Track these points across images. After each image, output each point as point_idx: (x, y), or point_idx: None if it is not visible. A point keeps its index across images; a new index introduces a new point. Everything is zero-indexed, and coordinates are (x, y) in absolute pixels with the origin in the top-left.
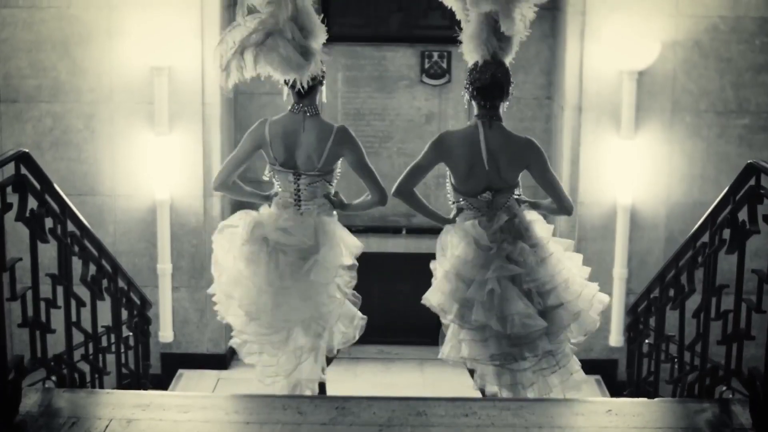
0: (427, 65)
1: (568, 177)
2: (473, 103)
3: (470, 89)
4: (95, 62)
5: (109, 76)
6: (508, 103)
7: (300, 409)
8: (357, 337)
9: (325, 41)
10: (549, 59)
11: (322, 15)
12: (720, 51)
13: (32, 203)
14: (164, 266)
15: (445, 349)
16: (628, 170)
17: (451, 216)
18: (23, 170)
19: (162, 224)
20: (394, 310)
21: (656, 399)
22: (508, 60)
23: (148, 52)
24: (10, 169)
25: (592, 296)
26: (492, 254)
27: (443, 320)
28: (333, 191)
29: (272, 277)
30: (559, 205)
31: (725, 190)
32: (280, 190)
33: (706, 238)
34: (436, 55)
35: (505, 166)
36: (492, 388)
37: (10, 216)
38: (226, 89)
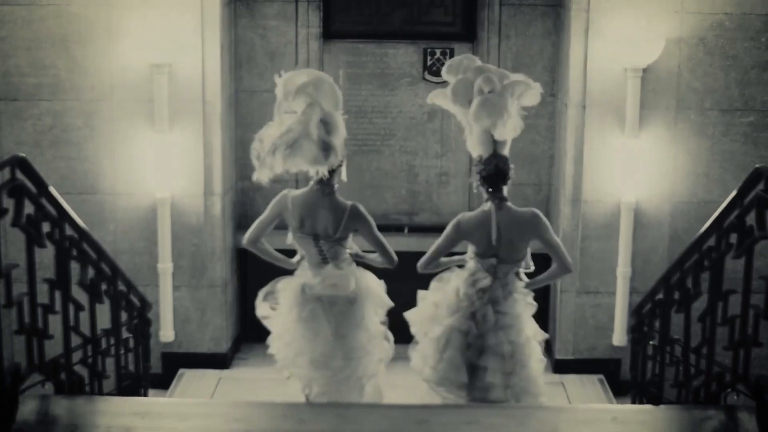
0: (429, 62)
1: (571, 175)
2: (482, 188)
3: (478, 177)
4: (95, 60)
5: (109, 74)
6: (510, 184)
7: (300, 417)
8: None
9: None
10: (553, 56)
11: (323, 12)
12: (725, 48)
13: (29, 208)
14: (165, 265)
15: (414, 362)
16: (632, 168)
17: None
18: (19, 175)
19: (162, 223)
20: (396, 308)
21: (661, 406)
22: (506, 152)
23: (149, 49)
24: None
25: (528, 379)
26: (461, 306)
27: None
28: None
29: (331, 328)
30: (560, 263)
31: (733, 194)
32: (305, 253)
33: (712, 241)
34: (438, 52)
35: (514, 241)
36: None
37: (6, 221)
38: (263, 182)
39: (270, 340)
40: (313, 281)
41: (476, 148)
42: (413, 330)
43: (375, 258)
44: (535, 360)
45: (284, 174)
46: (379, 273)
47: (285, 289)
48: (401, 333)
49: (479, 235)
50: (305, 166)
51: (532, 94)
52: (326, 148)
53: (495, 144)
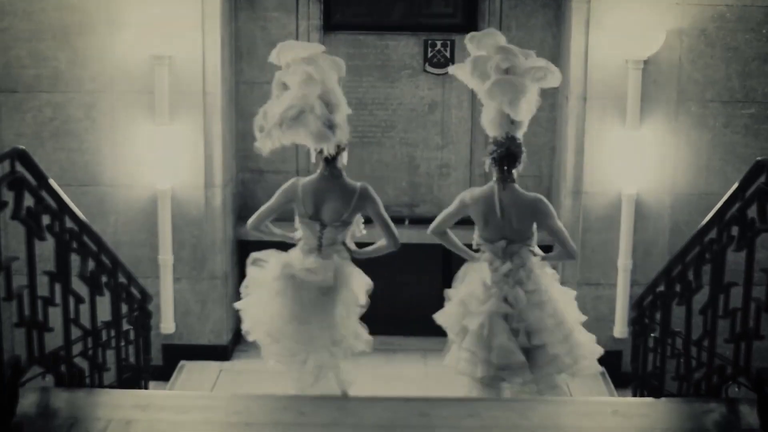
0: (430, 54)
1: (572, 167)
2: (493, 168)
3: (490, 158)
4: (95, 52)
5: (109, 65)
6: (521, 167)
7: (301, 410)
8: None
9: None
10: (553, 48)
11: (324, 4)
12: (726, 40)
13: (29, 201)
14: (165, 257)
15: (448, 360)
16: (633, 160)
17: (476, 254)
18: (18, 167)
19: (163, 215)
20: (396, 300)
21: (662, 399)
22: (520, 134)
23: (149, 41)
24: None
25: (579, 345)
26: (492, 293)
27: (449, 336)
28: (348, 239)
29: (296, 310)
30: (564, 251)
31: (734, 187)
32: (304, 237)
33: (713, 234)
34: (439, 43)
35: (516, 220)
36: None
37: (6, 214)
38: (265, 152)
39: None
40: (295, 262)
41: (491, 128)
42: (449, 334)
43: (376, 248)
44: (577, 322)
45: (286, 145)
46: (380, 264)
47: (271, 260)
48: (404, 324)
49: (482, 209)
50: (310, 140)
51: (553, 78)
52: (330, 126)
53: (508, 127)
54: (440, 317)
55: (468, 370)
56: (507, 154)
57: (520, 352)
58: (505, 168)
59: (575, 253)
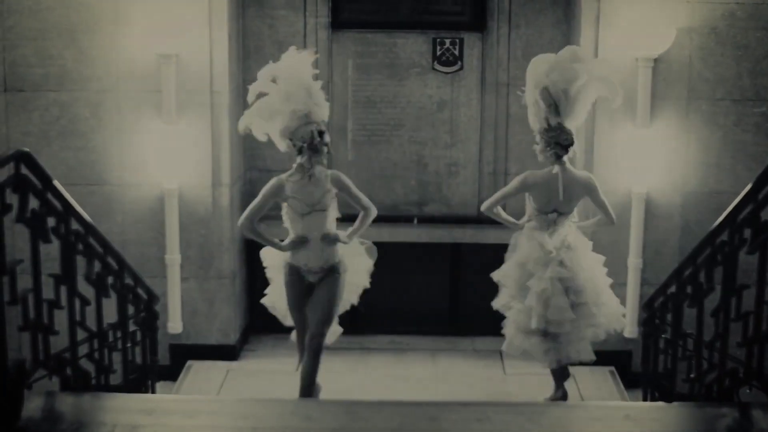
0: (438, 52)
1: (582, 166)
2: (550, 151)
3: (552, 143)
4: (102, 50)
5: (116, 64)
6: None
7: (309, 415)
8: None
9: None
10: (563, 46)
11: (332, 2)
12: (737, 38)
13: (34, 203)
14: (172, 256)
15: (516, 317)
16: (644, 159)
17: (522, 222)
18: (23, 170)
19: (170, 214)
20: (405, 300)
21: (674, 403)
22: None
23: (156, 39)
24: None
25: (608, 305)
26: (551, 258)
27: (499, 304)
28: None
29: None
30: (606, 218)
31: (746, 189)
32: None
33: (725, 236)
34: (448, 42)
35: (573, 198)
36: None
37: (11, 216)
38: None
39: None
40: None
41: (546, 119)
42: (506, 291)
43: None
44: (606, 285)
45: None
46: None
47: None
48: (413, 323)
49: (542, 190)
50: (301, 106)
51: (611, 90)
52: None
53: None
54: (498, 274)
55: (524, 322)
56: (570, 142)
57: (570, 309)
58: (565, 153)
59: (614, 220)
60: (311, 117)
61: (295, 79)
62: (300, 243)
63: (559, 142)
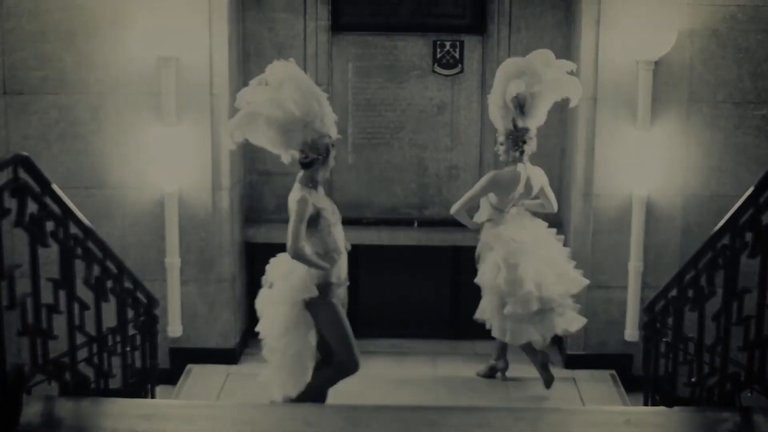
0: (439, 55)
1: (582, 168)
2: (516, 151)
3: (519, 143)
4: (102, 53)
5: (115, 67)
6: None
7: (308, 420)
8: None
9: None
10: (563, 48)
11: (332, 5)
12: (738, 40)
13: (33, 207)
14: (172, 260)
15: (509, 306)
16: (644, 161)
17: (481, 222)
18: (22, 174)
19: (170, 217)
20: (406, 303)
21: (675, 408)
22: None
23: (156, 42)
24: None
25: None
26: (523, 248)
27: (483, 315)
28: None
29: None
30: (552, 207)
31: (748, 192)
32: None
33: (726, 239)
34: (448, 44)
35: (532, 191)
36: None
37: (9, 221)
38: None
39: None
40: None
41: (513, 120)
42: (489, 298)
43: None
44: (566, 257)
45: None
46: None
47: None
48: (414, 327)
49: (509, 188)
50: (294, 107)
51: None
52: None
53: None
54: (487, 280)
55: (527, 308)
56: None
57: (533, 284)
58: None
59: (556, 208)
60: (323, 129)
61: (306, 92)
62: (337, 256)
63: (525, 141)
